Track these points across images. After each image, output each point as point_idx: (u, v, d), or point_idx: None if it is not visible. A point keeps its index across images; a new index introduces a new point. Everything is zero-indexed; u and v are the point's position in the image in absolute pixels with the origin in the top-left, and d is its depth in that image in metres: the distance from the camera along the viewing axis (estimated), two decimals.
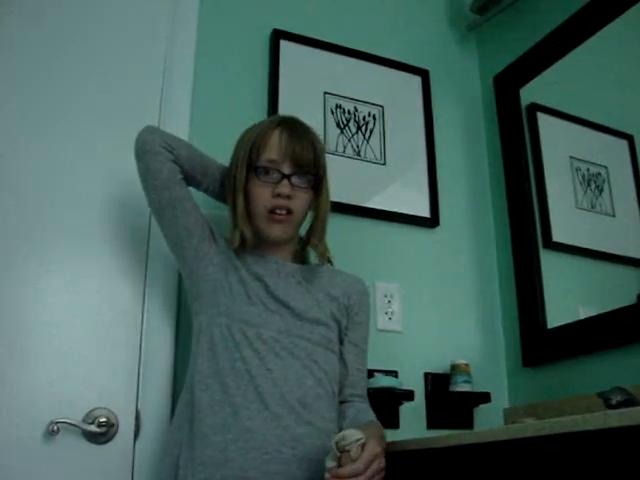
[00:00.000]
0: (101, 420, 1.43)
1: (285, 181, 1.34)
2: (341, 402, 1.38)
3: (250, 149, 1.36)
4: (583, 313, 1.75)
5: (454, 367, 1.81)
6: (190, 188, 1.42)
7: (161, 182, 1.34)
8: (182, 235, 1.37)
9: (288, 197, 1.34)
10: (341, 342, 1.41)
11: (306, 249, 1.47)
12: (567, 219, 1.90)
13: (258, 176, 1.35)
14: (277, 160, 1.34)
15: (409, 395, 1.72)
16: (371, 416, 1.35)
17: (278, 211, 1.34)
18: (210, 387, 1.25)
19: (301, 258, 1.47)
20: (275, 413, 1.22)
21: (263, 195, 1.34)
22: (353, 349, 1.42)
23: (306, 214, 1.42)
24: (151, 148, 1.35)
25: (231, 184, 1.38)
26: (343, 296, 1.43)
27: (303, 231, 1.47)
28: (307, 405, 1.25)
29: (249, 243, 1.36)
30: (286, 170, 1.34)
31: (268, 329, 1.29)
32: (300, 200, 1.36)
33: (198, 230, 1.37)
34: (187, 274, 1.41)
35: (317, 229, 1.42)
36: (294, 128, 1.37)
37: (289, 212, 1.35)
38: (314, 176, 1.38)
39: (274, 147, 1.35)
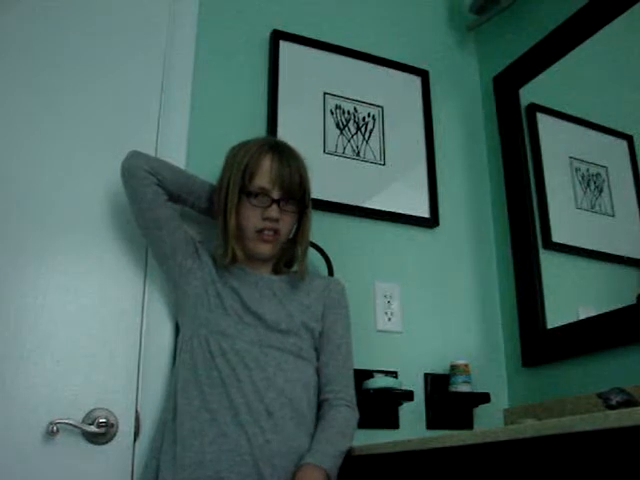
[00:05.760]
0: (101, 420, 1.43)
1: (274, 206, 1.45)
2: (322, 401, 1.45)
3: (242, 174, 1.45)
4: (583, 313, 1.76)
5: (454, 367, 1.81)
6: (176, 206, 1.52)
7: (147, 204, 1.44)
8: (167, 253, 1.48)
9: (276, 220, 1.45)
10: (317, 349, 1.49)
11: (288, 263, 1.58)
12: (567, 219, 1.90)
13: (249, 200, 1.46)
14: (268, 187, 1.45)
15: (409, 395, 1.72)
16: (329, 437, 1.36)
17: (266, 232, 1.47)
18: (190, 394, 1.36)
19: (281, 269, 1.56)
20: (245, 420, 1.31)
21: (253, 217, 1.46)
22: (328, 348, 1.50)
23: (290, 233, 1.54)
24: (136, 173, 1.44)
25: (222, 204, 1.48)
26: (317, 302, 1.52)
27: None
28: (272, 413, 1.33)
29: (239, 260, 1.48)
30: (275, 195, 1.46)
31: (242, 340, 1.40)
32: (286, 222, 1.49)
33: (182, 248, 1.48)
34: (172, 288, 1.53)
35: (300, 253, 1.54)
36: (283, 155, 1.48)
37: (276, 233, 1.47)
38: (299, 200, 1.50)
39: (265, 174, 1.45)
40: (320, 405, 1.45)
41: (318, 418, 1.43)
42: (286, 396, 1.37)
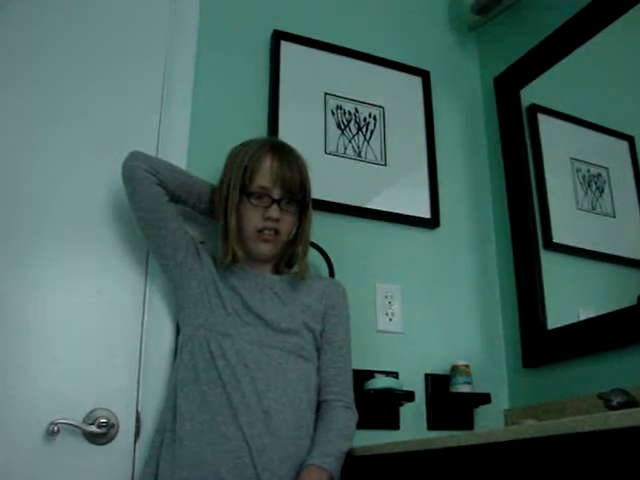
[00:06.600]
0: (101, 421, 1.43)
1: (275, 205, 1.46)
2: (321, 402, 1.46)
3: (243, 173, 1.45)
4: (583, 314, 1.75)
5: (454, 368, 1.81)
6: (177, 206, 1.52)
7: (147, 205, 1.44)
8: (167, 253, 1.48)
9: (277, 220, 1.46)
10: (319, 349, 1.49)
11: (289, 264, 1.57)
12: (568, 220, 1.89)
13: (250, 199, 1.46)
14: (268, 187, 1.46)
15: (409, 396, 1.72)
16: (331, 439, 1.37)
17: (267, 232, 1.47)
18: (189, 395, 1.36)
19: (282, 269, 1.57)
20: (243, 422, 1.31)
21: (254, 217, 1.46)
22: (329, 349, 1.50)
23: (290, 233, 1.54)
24: (137, 173, 1.44)
25: (223, 204, 1.48)
26: (318, 302, 1.52)
27: None
28: (271, 416, 1.33)
29: (240, 260, 1.47)
30: (276, 195, 1.46)
31: (242, 340, 1.39)
32: (287, 222, 1.50)
33: (182, 248, 1.48)
34: (173, 288, 1.53)
35: (300, 252, 1.54)
36: (284, 154, 1.49)
37: (277, 232, 1.48)
38: (300, 200, 1.50)
39: (266, 173, 1.46)
40: (319, 406, 1.45)
41: (317, 419, 1.43)
42: (287, 396, 1.36)
